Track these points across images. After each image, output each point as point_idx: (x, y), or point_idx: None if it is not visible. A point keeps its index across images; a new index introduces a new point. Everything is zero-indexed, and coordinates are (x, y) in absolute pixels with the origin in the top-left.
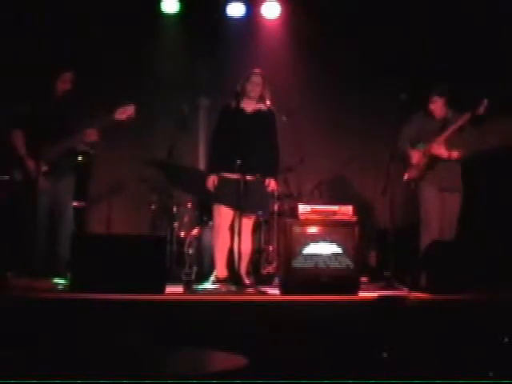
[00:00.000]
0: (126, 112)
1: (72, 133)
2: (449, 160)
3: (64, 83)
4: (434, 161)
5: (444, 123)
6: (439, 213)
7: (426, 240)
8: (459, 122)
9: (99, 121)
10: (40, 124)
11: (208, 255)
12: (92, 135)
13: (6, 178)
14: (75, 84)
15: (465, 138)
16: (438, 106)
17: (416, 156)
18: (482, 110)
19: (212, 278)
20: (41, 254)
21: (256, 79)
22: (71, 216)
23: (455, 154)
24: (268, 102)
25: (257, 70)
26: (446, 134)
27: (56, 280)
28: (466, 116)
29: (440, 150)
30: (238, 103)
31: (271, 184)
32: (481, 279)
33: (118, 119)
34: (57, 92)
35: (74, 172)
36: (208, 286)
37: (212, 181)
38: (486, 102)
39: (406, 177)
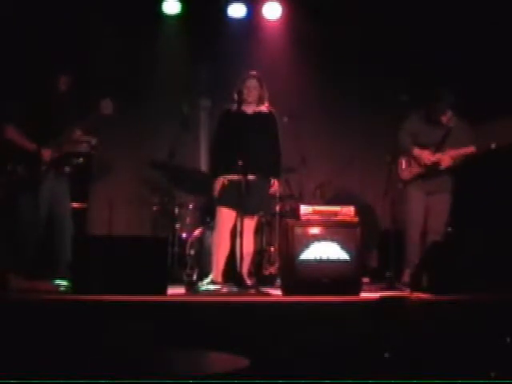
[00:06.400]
0: (108, 106)
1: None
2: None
3: (62, 85)
4: (432, 169)
5: (447, 131)
6: (423, 216)
7: (406, 241)
8: (466, 150)
9: (87, 119)
10: (40, 123)
11: (210, 256)
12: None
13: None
14: (71, 86)
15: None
16: (447, 117)
17: (426, 157)
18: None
19: (207, 279)
20: (41, 255)
21: (251, 83)
22: (70, 217)
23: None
24: (267, 104)
25: (252, 73)
26: (454, 154)
27: (57, 282)
28: (472, 149)
29: (447, 163)
30: (238, 107)
31: (275, 185)
32: (482, 279)
33: (104, 114)
34: (55, 93)
35: (70, 173)
36: (210, 286)
37: (222, 183)
38: (494, 145)
39: (403, 176)
